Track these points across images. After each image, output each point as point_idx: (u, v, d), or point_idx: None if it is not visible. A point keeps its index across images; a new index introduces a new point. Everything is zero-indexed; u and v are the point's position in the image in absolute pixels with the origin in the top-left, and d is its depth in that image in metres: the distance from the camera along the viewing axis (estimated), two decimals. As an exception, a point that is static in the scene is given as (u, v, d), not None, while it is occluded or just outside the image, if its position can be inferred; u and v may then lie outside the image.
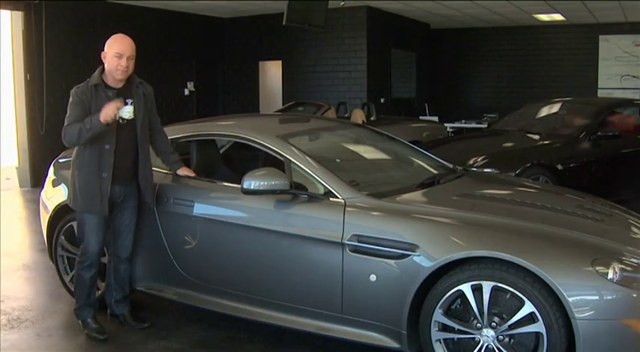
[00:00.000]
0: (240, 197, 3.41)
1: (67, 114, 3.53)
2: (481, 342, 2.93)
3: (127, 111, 3.46)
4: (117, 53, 3.50)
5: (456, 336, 2.99)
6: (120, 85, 3.59)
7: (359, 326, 3.20)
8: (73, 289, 4.20)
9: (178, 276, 3.72)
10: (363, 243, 3.10)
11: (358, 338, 3.22)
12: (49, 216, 4.31)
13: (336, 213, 3.18)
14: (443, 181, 3.86)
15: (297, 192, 3.31)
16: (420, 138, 8.81)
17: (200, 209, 3.63)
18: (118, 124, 3.51)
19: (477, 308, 2.92)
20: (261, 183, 3.27)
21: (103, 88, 3.54)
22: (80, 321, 3.77)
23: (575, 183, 5.76)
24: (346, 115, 10.07)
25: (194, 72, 12.49)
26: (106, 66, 3.57)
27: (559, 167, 6.24)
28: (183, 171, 3.81)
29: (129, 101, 3.53)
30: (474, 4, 11.22)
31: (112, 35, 3.58)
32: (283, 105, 11.82)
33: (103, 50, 3.55)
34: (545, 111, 7.79)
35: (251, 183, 3.28)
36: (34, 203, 7.93)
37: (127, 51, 3.52)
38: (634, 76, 13.10)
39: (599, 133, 6.62)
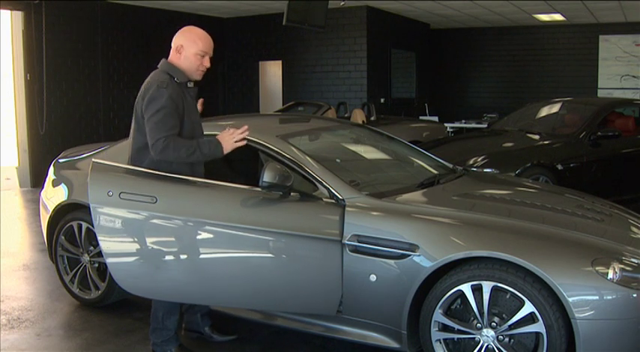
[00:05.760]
0: (226, 194, 3.28)
1: (159, 121, 3.06)
2: (481, 342, 2.93)
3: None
4: (202, 51, 3.22)
5: (456, 336, 2.99)
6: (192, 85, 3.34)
7: (359, 327, 3.20)
8: (74, 291, 4.22)
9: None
10: (363, 243, 3.10)
11: (358, 338, 3.22)
12: (49, 216, 4.31)
13: (336, 213, 3.18)
14: (443, 181, 3.86)
15: (300, 191, 3.30)
16: (420, 138, 8.81)
17: (172, 207, 3.22)
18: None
19: (477, 308, 2.92)
20: (279, 177, 3.13)
21: (185, 87, 3.27)
22: None
23: (575, 183, 5.77)
24: (346, 115, 10.07)
25: (194, 72, 12.48)
26: (182, 62, 3.22)
27: (559, 167, 6.24)
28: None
29: (199, 101, 3.45)
30: (474, 4, 11.22)
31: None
32: (283, 105, 11.82)
33: (181, 45, 3.22)
34: (545, 111, 7.79)
35: (271, 175, 3.12)
36: (34, 203, 7.94)
37: (210, 50, 3.27)
38: (634, 76, 13.10)
39: (599, 133, 6.62)
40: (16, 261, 5.37)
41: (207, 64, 3.25)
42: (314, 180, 3.36)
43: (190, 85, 3.31)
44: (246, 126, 3.26)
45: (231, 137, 3.19)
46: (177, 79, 3.23)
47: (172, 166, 3.22)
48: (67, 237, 4.20)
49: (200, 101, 3.55)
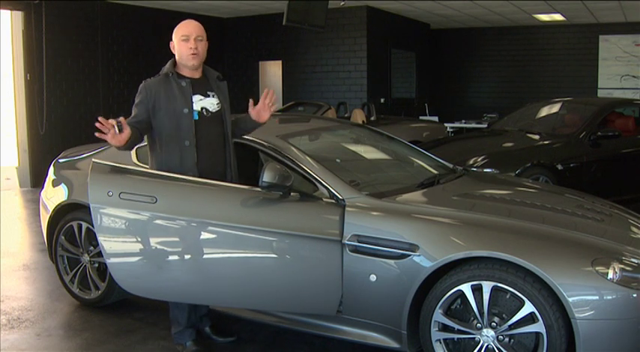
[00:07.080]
0: (226, 195, 3.26)
1: (132, 111, 3.31)
2: (481, 342, 2.93)
3: (211, 103, 3.35)
4: (183, 36, 3.26)
5: (456, 336, 2.99)
6: (196, 76, 3.36)
7: (359, 327, 3.20)
8: (74, 291, 4.22)
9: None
10: (363, 243, 3.10)
11: (358, 338, 3.22)
12: (49, 216, 4.31)
13: (336, 213, 3.18)
14: (443, 181, 3.86)
15: (300, 191, 3.30)
16: (420, 138, 8.81)
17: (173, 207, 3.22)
18: (202, 117, 3.31)
19: (477, 308, 2.92)
20: (279, 177, 3.12)
21: (175, 77, 3.29)
22: (178, 345, 3.48)
23: (575, 183, 5.77)
24: (346, 115, 10.07)
25: (194, 72, 12.50)
26: (176, 56, 3.32)
27: (559, 167, 6.24)
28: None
29: (210, 93, 3.38)
30: (474, 4, 11.22)
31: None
32: (283, 105, 11.82)
33: (171, 40, 3.32)
34: (545, 111, 7.79)
35: (271, 175, 3.11)
36: (34, 203, 7.94)
37: (194, 32, 3.27)
38: (634, 76, 13.10)
39: (599, 133, 6.62)
40: (16, 261, 5.37)
41: (192, 45, 3.27)
42: (314, 180, 3.36)
43: (184, 81, 3.32)
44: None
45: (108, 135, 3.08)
46: (163, 71, 3.34)
47: (161, 157, 3.31)
48: (67, 237, 4.20)
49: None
